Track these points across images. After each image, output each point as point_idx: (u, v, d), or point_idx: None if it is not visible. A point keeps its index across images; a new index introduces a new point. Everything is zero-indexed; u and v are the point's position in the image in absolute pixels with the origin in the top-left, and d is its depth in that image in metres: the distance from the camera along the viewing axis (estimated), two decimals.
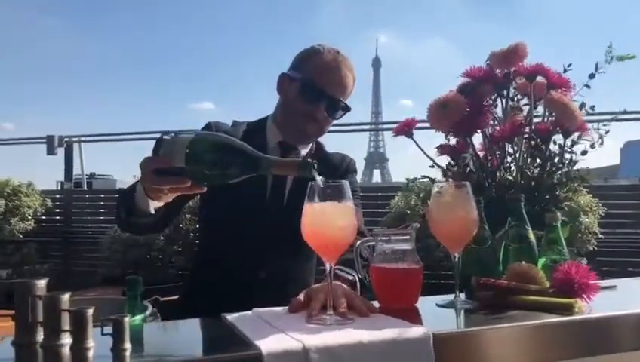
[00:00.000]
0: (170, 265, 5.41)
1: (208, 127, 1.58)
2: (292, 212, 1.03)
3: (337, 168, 1.68)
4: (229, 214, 1.50)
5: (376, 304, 1.11)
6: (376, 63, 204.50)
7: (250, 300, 1.17)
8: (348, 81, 1.55)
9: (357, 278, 1.31)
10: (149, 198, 1.19)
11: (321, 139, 1.68)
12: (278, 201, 1.54)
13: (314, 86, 1.51)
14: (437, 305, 1.11)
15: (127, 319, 0.78)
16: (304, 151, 1.62)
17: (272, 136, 1.58)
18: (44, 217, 6.55)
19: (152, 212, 1.25)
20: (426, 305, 1.12)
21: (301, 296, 1.08)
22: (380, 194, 5.47)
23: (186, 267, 5.30)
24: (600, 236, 4.30)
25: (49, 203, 6.54)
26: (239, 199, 1.45)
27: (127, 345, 0.77)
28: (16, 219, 6.16)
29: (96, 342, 0.77)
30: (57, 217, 6.77)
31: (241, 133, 1.58)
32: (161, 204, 1.24)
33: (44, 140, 6.70)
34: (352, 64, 1.58)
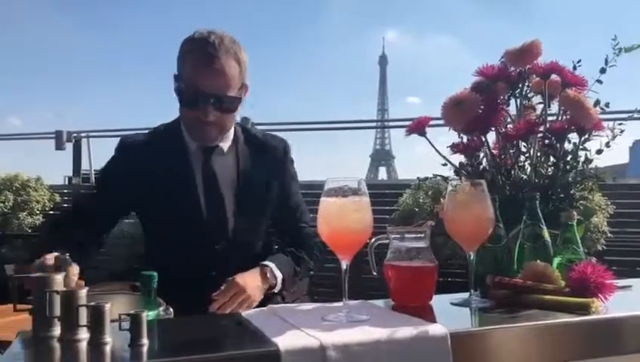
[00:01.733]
0: None
1: (121, 144, 1.57)
2: (229, 206, 1.02)
3: (275, 153, 1.61)
4: (169, 222, 1.49)
5: (391, 302, 1.11)
6: (383, 61, 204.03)
7: (203, 298, 1.26)
8: (227, 71, 1.41)
9: (276, 270, 1.46)
10: None
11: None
12: (213, 198, 1.51)
13: (192, 90, 1.41)
14: (451, 303, 1.11)
15: (144, 314, 0.78)
16: (226, 146, 1.55)
17: (189, 140, 1.52)
18: (52, 212, 6.57)
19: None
20: (441, 303, 1.11)
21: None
22: (387, 191, 5.45)
23: None
24: (609, 235, 4.27)
25: (57, 198, 6.56)
26: (175, 207, 1.47)
27: (145, 341, 0.77)
28: (25, 213, 6.18)
29: (113, 337, 0.77)
30: None
31: (159, 142, 1.54)
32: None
33: (53, 135, 6.72)
34: (231, 46, 1.42)
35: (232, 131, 1.57)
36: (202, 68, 1.40)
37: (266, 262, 1.47)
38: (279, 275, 1.47)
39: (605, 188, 4.34)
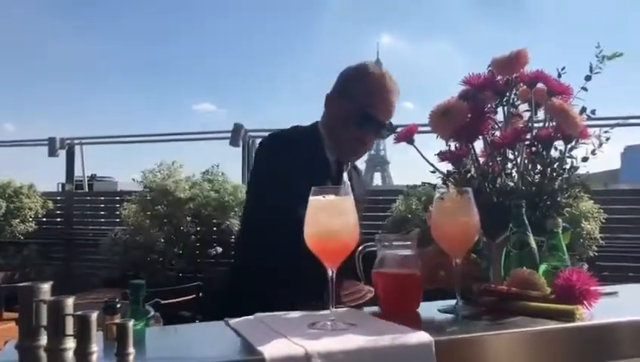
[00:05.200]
0: (170, 267, 5.41)
1: (273, 137, 1.58)
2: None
3: (360, 174, 1.80)
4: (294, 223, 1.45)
5: (379, 309, 1.12)
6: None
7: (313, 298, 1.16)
8: (395, 101, 1.60)
9: None
10: None
11: None
12: None
13: (366, 113, 1.54)
14: (438, 310, 1.12)
15: (130, 323, 0.78)
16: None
17: (329, 152, 1.60)
18: (45, 219, 6.55)
19: None
20: (428, 310, 1.12)
21: None
22: (380, 197, 5.47)
23: (186, 269, 5.30)
24: (601, 242, 4.30)
25: (50, 205, 6.55)
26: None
27: (131, 350, 0.77)
28: (18, 220, 6.16)
29: (100, 346, 0.78)
30: (58, 219, 6.78)
31: (305, 144, 1.56)
32: None
33: (46, 142, 6.70)
34: (397, 84, 1.62)
35: None
36: (381, 98, 1.57)
37: None
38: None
39: (597, 194, 4.38)
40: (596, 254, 4.28)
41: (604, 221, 4.31)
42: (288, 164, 1.48)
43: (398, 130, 1.52)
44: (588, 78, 1.46)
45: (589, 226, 4.14)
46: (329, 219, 0.99)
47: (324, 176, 1.54)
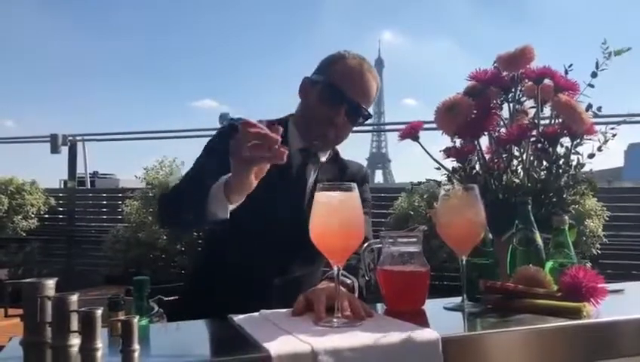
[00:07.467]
0: (172, 264, 5.42)
1: (232, 126, 1.45)
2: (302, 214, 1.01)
3: (355, 176, 1.65)
4: (251, 222, 1.41)
5: (383, 306, 1.11)
6: (379, 64, 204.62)
7: (260, 305, 1.15)
8: (371, 86, 1.52)
9: (355, 283, 1.30)
10: (227, 201, 1.17)
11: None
12: (299, 210, 1.48)
13: (335, 89, 1.47)
14: (444, 307, 1.11)
15: (135, 320, 0.78)
16: (323, 158, 1.59)
17: (293, 141, 1.53)
18: (47, 216, 6.56)
19: (227, 216, 1.20)
20: (433, 307, 1.12)
21: (301, 299, 1.07)
22: (382, 195, 5.46)
23: (189, 266, 5.30)
24: (604, 240, 4.29)
25: (52, 201, 6.55)
26: (262, 207, 1.37)
27: (136, 346, 0.77)
28: (20, 217, 6.17)
29: (105, 343, 0.77)
30: (60, 216, 6.78)
31: None
32: (238, 203, 1.20)
33: (48, 139, 6.71)
34: (376, 72, 1.56)
35: None
36: (354, 76, 1.50)
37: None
38: (350, 279, 1.37)
39: (601, 191, 4.37)
40: (599, 252, 4.27)
41: (607, 219, 4.30)
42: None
43: (402, 127, 1.52)
44: (594, 75, 1.45)
45: (592, 224, 4.14)
46: (334, 216, 0.98)
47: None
